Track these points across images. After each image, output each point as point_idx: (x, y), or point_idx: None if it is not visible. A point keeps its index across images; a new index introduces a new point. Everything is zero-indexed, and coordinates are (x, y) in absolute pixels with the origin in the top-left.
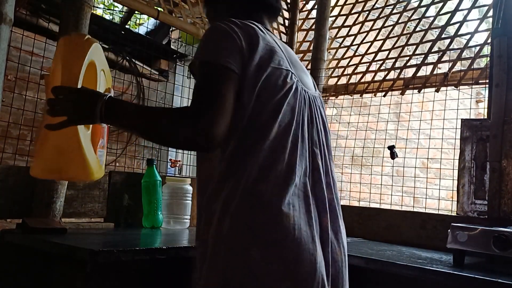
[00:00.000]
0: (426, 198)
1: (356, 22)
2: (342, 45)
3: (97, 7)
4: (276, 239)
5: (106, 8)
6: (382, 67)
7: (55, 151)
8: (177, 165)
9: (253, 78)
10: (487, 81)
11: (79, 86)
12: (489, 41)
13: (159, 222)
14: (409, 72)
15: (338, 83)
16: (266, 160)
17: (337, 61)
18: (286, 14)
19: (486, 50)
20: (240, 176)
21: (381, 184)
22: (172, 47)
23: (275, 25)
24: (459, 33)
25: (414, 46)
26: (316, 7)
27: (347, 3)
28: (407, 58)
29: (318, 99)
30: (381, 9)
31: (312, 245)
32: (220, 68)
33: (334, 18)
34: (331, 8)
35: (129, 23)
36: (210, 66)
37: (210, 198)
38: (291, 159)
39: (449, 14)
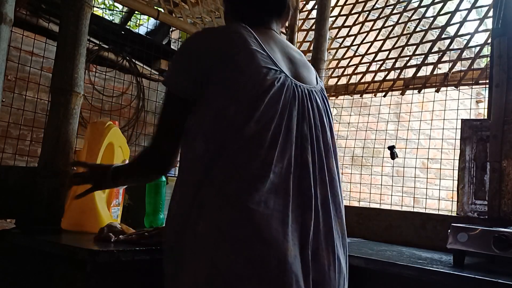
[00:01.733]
0: (426, 198)
1: (356, 22)
2: (342, 45)
3: (97, 7)
4: (243, 238)
5: (107, 8)
6: (382, 67)
7: (78, 210)
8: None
9: (227, 82)
10: (487, 81)
11: (99, 160)
12: (489, 41)
13: (159, 222)
14: (409, 72)
15: (338, 83)
16: (239, 159)
17: (337, 61)
18: None
19: (486, 50)
20: (214, 177)
21: (381, 184)
22: (172, 47)
23: None
24: (459, 33)
25: (414, 47)
26: (316, 7)
27: (347, 3)
28: (407, 58)
29: (317, 93)
30: (381, 10)
31: (284, 244)
32: (170, 96)
33: (334, 18)
34: (331, 8)
35: (129, 23)
36: (166, 92)
37: (185, 202)
38: (268, 156)
39: (449, 15)
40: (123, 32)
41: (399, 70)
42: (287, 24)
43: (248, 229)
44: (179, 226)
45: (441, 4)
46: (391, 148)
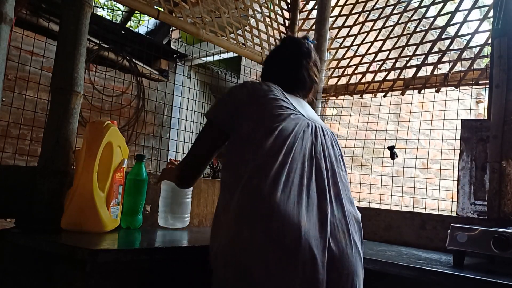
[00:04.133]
0: (426, 198)
1: (357, 23)
2: (342, 46)
3: (98, 7)
4: (261, 216)
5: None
6: (382, 68)
7: (77, 209)
8: None
9: (253, 113)
10: (487, 81)
11: (97, 160)
12: (489, 41)
13: (137, 223)
14: (409, 73)
15: (338, 83)
16: (262, 162)
17: (337, 61)
18: (286, 14)
19: (486, 50)
20: (242, 177)
21: (381, 185)
22: (172, 47)
23: (275, 25)
24: (459, 33)
25: (414, 47)
26: (316, 7)
27: (347, 3)
28: (407, 58)
29: (326, 130)
30: (381, 10)
31: (298, 219)
32: (209, 123)
33: (334, 18)
34: (331, 9)
35: (129, 23)
36: (207, 120)
37: (224, 197)
38: (285, 159)
39: (449, 15)
40: (123, 32)
41: (399, 70)
42: (287, 24)
43: (267, 208)
44: (219, 210)
45: (441, 4)
46: (391, 148)
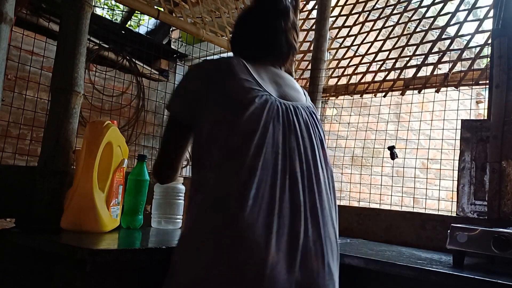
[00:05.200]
0: (426, 198)
1: (357, 23)
2: (342, 46)
3: (98, 7)
4: (226, 243)
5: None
6: (382, 68)
7: (77, 209)
8: None
9: (211, 102)
10: (487, 82)
11: (97, 160)
12: (489, 41)
13: (137, 223)
14: (409, 73)
15: (338, 83)
16: (226, 167)
17: (337, 61)
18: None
19: (487, 50)
20: (205, 184)
21: (381, 185)
22: (172, 47)
23: None
24: (460, 33)
25: (415, 47)
26: (316, 7)
27: (347, 3)
28: (407, 58)
29: (303, 108)
30: (381, 10)
31: (265, 250)
32: (171, 120)
33: (334, 18)
34: (331, 9)
35: (129, 23)
36: (169, 115)
37: (186, 208)
38: (253, 164)
39: (449, 15)
40: (123, 32)
41: (399, 71)
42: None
43: (231, 233)
44: (184, 224)
45: (441, 4)
46: (391, 148)
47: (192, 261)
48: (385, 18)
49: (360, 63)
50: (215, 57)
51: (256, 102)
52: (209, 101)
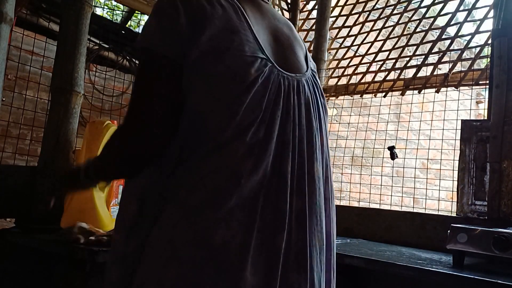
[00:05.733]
0: (426, 198)
1: (357, 23)
2: (342, 46)
3: (98, 7)
4: (195, 261)
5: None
6: (383, 68)
7: (76, 209)
8: None
9: (199, 68)
10: (487, 82)
11: None
12: (489, 42)
13: None
14: (409, 73)
15: (339, 83)
16: (207, 168)
17: (337, 61)
18: (286, 14)
19: (487, 51)
20: (175, 184)
21: (381, 185)
22: None
23: None
24: (459, 34)
25: (415, 47)
26: (316, 7)
27: (347, 3)
28: (408, 58)
29: (307, 82)
30: (381, 10)
31: (239, 272)
32: (154, 59)
33: (334, 18)
34: (331, 9)
35: (129, 23)
36: (145, 55)
37: (140, 207)
38: (241, 167)
39: (449, 15)
40: (123, 32)
41: (399, 71)
42: None
43: (202, 251)
44: (127, 233)
45: (442, 4)
46: (391, 148)
47: (153, 278)
48: (385, 18)
49: (360, 63)
50: None
51: (259, 81)
52: (197, 62)
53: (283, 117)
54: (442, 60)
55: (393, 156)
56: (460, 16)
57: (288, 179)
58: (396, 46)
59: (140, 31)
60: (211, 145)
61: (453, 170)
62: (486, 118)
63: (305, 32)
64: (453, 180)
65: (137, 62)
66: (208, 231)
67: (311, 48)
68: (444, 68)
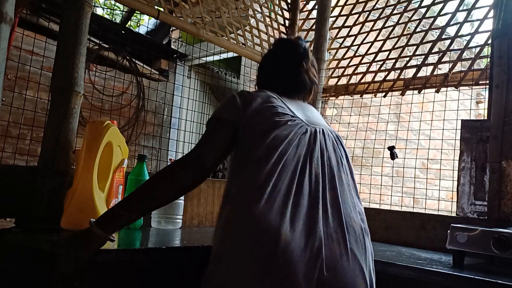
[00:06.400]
0: (426, 198)
1: (357, 23)
2: (342, 46)
3: (98, 7)
4: (241, 230)
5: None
6: (383, 68)
7: (77, 209)
8: None
9: (248, 121)
10: (487, 82)
11: (97, 160)
12: (489, 42)
13: (137, 223)
14: (409, 73)
15: (339, 83)
16: (249, 174)
17: (337, 61)
18: (286, 14)
19: (487, 51)
20: (230, 191)
21: (381, 185)
22: (172, 47)
23: (275, 25)
24: (459, 33)
25: (415, 47)
26: (316, 7)
27: (347, 3)
28: (408, 58)
29: (331, 132)
30: (381, 10)
31: (277, 229)
32: (215, 119)
33: (334, 18)
34: (331, 9)
35: (129, 23)
36: (210, 119)
37: (217, 222)
38: (272, 169)
39: (449, 15)
40: (123, 32)
41: (399, 71)
42: (287, 24)
43: (246, 222)
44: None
45: (442, 4)
46: (391, 148)
47: (222, 249)
48: (385, 18)
49: (360, 63)
50: (216, 57)
51: (289, 124)
52: (247, 119)
53: (310, 143)
54: (442, 60)
55: (393, 156)
56: (460, 16)
57: (320, 177)
58: (396, 46)
59: (139, 31)
60: (252, 160)
61: (453, 170)
62: (486, 118)
63: (305, 32)
64: (453, 180)
65: (137, 62)
66: (251, 208)
67: (311, 48)
68: (444, 68)
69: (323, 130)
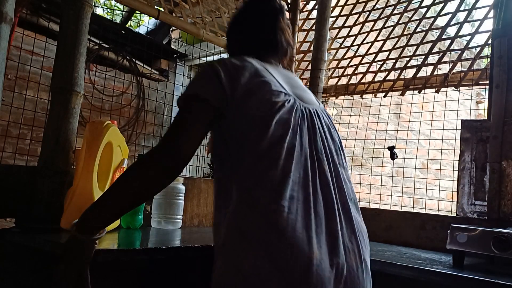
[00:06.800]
0: (426, 199)
1: (357, 23)
2: (342, 46)
3: (98, 7)
4: (267, 242)
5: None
6: (383, 68)
7: (77, 209)
8: None
9: (240, 103)
10: (487, 82)
11: (97, 160)
12: (489, 42)
13: (137, 224)
14: (409, 73)
15: (339, 83)
16: (259, 169)
17: (337, 61)
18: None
19: (487, 51)
20: (235, 187)
21: (381, 185)
22: (172, 46)
23: None
24: (460, 34)
25: (415, 47)
26: (316, 7)
27: (347, 3)
28: (408, 58)
29: (321, 111)
30: (381, 10)
31: (308, 248)
32: (192, 98)
33: (334, 18)
34: (331, 9)
35: (129, 23)
36: (184, 97)
37: (214, 211)
38: (286, 166)
39: (449, 15)
40: (123, 32)
41: (399, 71)
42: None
43: (272, 233)
44: (218, 229)
45: (442, 4)
46: (391, 148)
47: (239, 263)
48: (385, 18)
49: (360, 63)
50: (216, 57)
51: (286, 105)
52: (237, 102)
53: (310, 133)
54: (442, 60)
55: (393, 156)
56: (460, 16)
57: (328, 176)
58: (396, 46)
59: (139, 31)
60: (257, 153)
61: (453, 170)
62: (486, 118)
63: (305, 32)
64: (453, 180)
65: (137, 62)
66: (275, 216)
67: (311, 48)
68: (444, 68)
69: (317, 111)
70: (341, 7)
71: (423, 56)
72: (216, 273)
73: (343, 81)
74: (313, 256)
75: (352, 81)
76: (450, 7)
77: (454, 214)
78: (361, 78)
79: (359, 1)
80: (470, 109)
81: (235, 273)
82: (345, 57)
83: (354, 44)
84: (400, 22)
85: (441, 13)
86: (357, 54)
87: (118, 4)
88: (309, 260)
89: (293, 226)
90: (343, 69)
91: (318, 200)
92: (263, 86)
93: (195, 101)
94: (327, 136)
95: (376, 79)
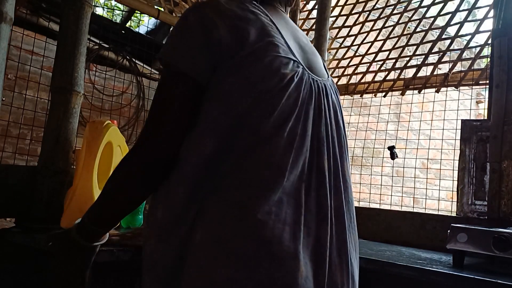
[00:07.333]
0: (426, 198)
1: (357, 23)
2: (342, 46)
3: (98, 7)
4: (249, 254)
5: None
6: (383, 68)
7: (76, 209)
8: None
9: (240, 70)
10: (487, 82)
11: (97, 160)
12: (489, 41)
13: (138, 223)
14: (409, 73)
15: (339, 83)
16: (249, 163)
17: (337, 61)
18: None
19: (487, 51)
20: (218, 181)
21: (381, 185)
22: None
23: None
24: (460, 33)
25: (415, 47)
26: (316, 7)
27: (347, 3)
28: (408, 58)
29: (330, 87)
30: (381, 10)
31: (294, 264)
32: (175, 77)
33: (334, 18)
34: (331, 9)
35: (129, 23)
36: (167, 72)
37: (178, 206)
38: (282, 162)
39: (449, 15)
40: (123, 32)
41: (399, 70)
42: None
43: (256, 243)
44: (167, 235)
45: (442, 4)
46: (391, 148)
47: (202, 276)
48: (385, 18)
49: (360, 63)
50: None
51: (295, 80)
52: (235, 64)
53: (315, 117)
54: (442, 60)
55: (393, 156)
56: (460, 16)
57: (326, 175)
58: (396, 46)
59: (140, 31)
60: (252, 141)
61: (453, 170)
62: (486, 118)
63: (305, 32)
64: (453, 180)
65: (137, 62)
66: (258, 224)
67: None
68: (444, 68)
69: (325, 86)
70: (341, 7)
71: (423, 56)
72: (187, 280)
73: (343, 80)
74: (298, 274)
75: (352, 81)
76: (450, 7)
77: (454, 214)
78: (361, 78)
79: (359, 1)
80: (470, 109)
81: (208, 285)
82: (345, 57)
83: (354, 44)
84: (400, 22)
85: (441, 13)
86: (357, 54)
87: (118, 4)
88: (294, 279)
89: (279, 237)
90: (343, 69)
91: (310, 205)
92: (271, 49)
93: (176, 76)
94: (332, 122)
95: (376, 79)
